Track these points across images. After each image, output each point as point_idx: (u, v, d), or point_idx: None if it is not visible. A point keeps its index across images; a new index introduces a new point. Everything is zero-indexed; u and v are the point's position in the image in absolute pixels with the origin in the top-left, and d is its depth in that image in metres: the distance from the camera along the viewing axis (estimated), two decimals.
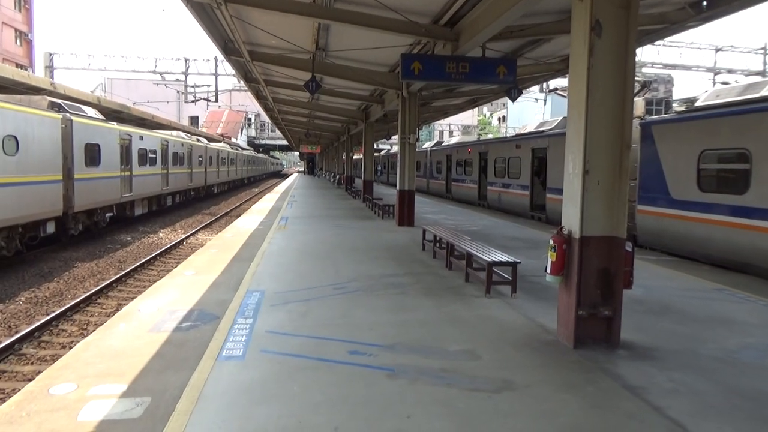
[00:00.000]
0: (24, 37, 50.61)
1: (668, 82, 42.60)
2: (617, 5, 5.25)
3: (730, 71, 32.31)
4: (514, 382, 4.57)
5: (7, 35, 47.57)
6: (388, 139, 43.93)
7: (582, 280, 5.36)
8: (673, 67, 32.32)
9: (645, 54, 30.57)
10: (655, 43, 24.52)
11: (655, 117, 13.12)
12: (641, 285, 8.03)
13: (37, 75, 30.90)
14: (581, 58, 5.35)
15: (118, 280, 11.70)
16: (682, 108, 12.20)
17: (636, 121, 12.16)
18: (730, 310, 7.06)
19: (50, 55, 40.77)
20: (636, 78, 6.55)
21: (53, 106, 15.11)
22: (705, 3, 9.19)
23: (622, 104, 5.36)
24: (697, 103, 11.73)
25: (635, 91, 9.99)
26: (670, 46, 31.00)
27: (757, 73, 32.03)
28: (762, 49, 32.90)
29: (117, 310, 9.58)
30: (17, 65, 42.71)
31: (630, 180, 5.74)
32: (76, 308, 9.65)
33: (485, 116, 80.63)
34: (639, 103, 13.29)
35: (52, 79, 34.13)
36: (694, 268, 9.93)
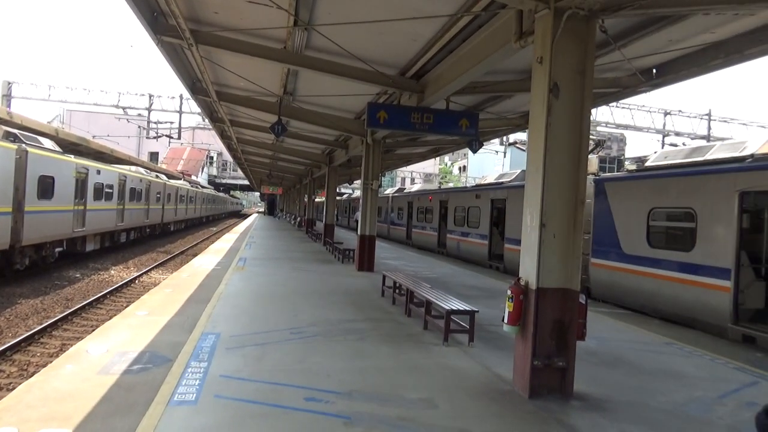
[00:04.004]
0: None
1: (621, 140, 44.60)
2: (574, 70, 5.59)
3: (677, 134, 34.14)
4: None
5: None
6: (351, 183, 44.22)
7: (537, 330, 5.47)
8: (626, 127, 33.96)
9: (600, 114, 32.07)
10: (609, 104, 25.87)
11: (608, 174, 13.73)
12: (594, 337, 8.22)
13: None
14: (540, 116, 5.63)
15: (64, 319, 11.21)
16: (634, 167, 12.82)
17: (590, 178, 12.68)
18: (679, 363, 7.28)
19: (9, 83, 39.83)
20: (591, 136, 6.91)
21: (9, 136, 14.73)
22: (655, 71, 9.81)
23: (577, 161, 5.63)
24: (648, 163, 12.36)
25: (590, 148, 10.48)
26: (624, 107, 32.66)
27: (702, 137, 33.97)
28: (706, 115, 35.00)
29: (61, 350, 9.16)
30: None
31: (584, 234, 5.97)
32: (16, 347, 9.17)
33: (446, 165, 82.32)
34: (593, 161, 13.90)
35: (9, 108, 33.34)
36: (644, 322, 10.23)
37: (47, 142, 17.38)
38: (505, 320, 5.70)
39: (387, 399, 5.25)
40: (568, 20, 5.43)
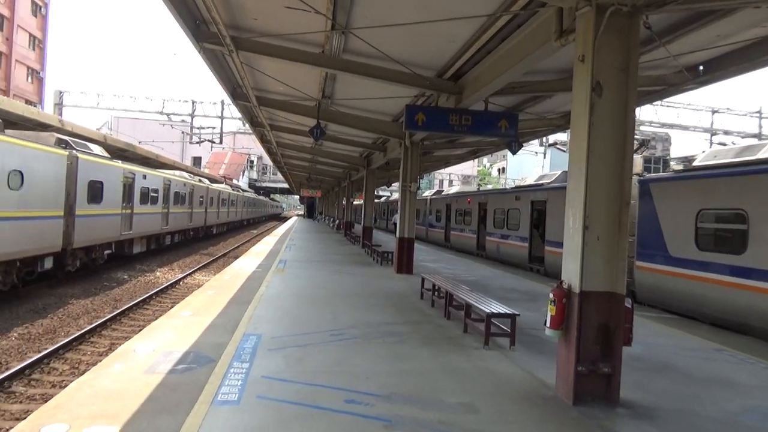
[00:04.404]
0: (36, 75, 51.73)
1: (666, 140, 43.39)
2: (617, 67, 5.45)
3: (726, 132, 32.97)
4: None
5: (20, 72, 48.64)
6: (389, 186, 44.32)
7: (581, 335, 5.34)
8: (671, 126, 33.00)
9: (644, 113, 31.25)
10: (654, 103, 25.18)
11: (653, 175, 13.33)
12: (640, 342, 7.97)
13: (47, 112, 31.43)
14: (582, 116, 5.50)
15: (113, 319, 11.60)
16: (680, 167, 12.42)
17: (634, 179, 12.33)
18: (730, 370, 7.00)
19: (60, 93, 41.59)
20: (635, 136, 6.72)
21: (60, 143, 15.32)
22: (701, 68, 9.49)
23: (621, 162, 5.48)
24: (695, 163, 11.95)
25: (634, 148, 10.20)
26: (668, 106, 31.73)
27: (753, 136, 32.69)
28: (757, 112, 33.65)
29: (110, 349, 9.47)
30: (27, 101, 43.50)
31: (629, 236, 5.80)
32: (68, 346, 9.53)
33: (485, 167, 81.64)
34: (637, 161, 13.53)
35: (61, 116, 34.72)
36: (693, 327, 9.88)
37: (96, 148, 18.01)
38: (548, 324, 5.59)
39: (427, 402, 5.22)
40: (610, 17, 5.30)
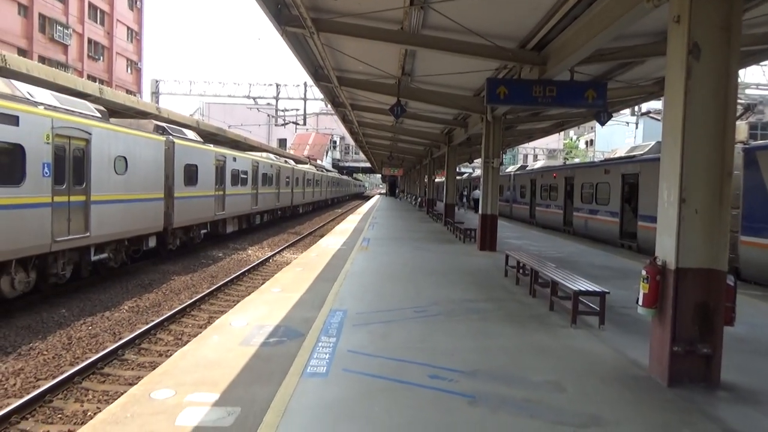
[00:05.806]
0: (134, 66, 55.26)
1: None
2: (717, 26, 5.02)
3: None
4: (603, 418, 4.38)
5: (120, 64, 52.13)
6: (471, 162, 43.68)
7: (677, 314, 5.07)
8: None
9: (749, 75, 28.72)
10: (761, 63, 23.00)
11: (760, 142, 12.26)
12: (745, 322, 7.45)
13: (145, 100, 33.54)
14: (677, 81, 5.14)
15: (210, 294, 12.35)
16: None
17: (739, 147, 11.41)
18: None
19: (156, 82, 44.25)
20: (738, 101, 6.20)
21: (158, 129, 16.34)
22: None
23: (722, 130, 5.08)
24: None
25: (737, 114, 9.39)
26: None
27: None
28: None
29: (209, 322, 10.10)
30: (127, 91, 46.63)
31: (732, 209, 5.40)
32: (172, 319, 10.27)
33: (572, 140, 78.46)
34: (742, 128, 12.50)
35: (158, 104, 36.92)
36: None
37: (190, 134, 19.04)
38: (640, 302, 5.34)
39: (512, 380, 5.19)
40: None
